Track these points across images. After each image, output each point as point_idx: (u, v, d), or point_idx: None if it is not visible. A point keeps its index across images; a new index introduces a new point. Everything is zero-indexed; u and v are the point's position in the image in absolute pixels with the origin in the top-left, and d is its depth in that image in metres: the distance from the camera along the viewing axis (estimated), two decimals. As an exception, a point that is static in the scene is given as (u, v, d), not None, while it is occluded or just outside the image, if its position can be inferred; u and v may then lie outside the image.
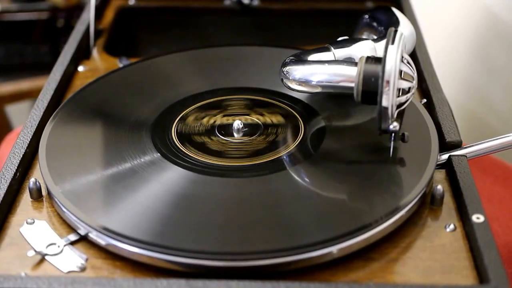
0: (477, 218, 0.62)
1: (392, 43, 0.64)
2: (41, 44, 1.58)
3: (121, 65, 0.90)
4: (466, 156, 0.70)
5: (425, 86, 0.83)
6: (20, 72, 1.57)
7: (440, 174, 0.70)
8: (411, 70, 0.66)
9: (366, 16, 0.85)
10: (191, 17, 1.09)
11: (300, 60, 0.73)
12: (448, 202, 0.67)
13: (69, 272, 0.59)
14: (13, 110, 1.48)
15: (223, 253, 0.58)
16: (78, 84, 0.87)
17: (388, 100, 0.63)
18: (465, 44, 1.36)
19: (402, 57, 0.65)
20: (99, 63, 0.92)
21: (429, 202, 0.66)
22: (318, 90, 0.71)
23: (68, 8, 1.55)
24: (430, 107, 0.79)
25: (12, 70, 1.59)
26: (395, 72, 0.63)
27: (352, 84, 0.68)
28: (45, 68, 0.86)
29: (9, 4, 1.57)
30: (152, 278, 0.57)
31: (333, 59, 0.73)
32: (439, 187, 0.65)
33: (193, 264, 0.58)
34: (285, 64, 0.73)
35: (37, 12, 1.56)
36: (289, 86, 0.73)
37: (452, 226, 0.64)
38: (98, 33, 0.99)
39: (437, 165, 0.70)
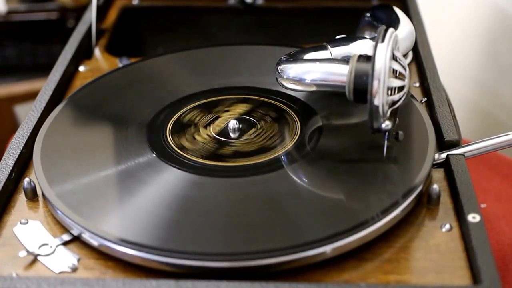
0: (473, 217, 0.61)
1: (382, 41, 0.63)
2: (52, 44, 1.59)
3: (121, 65, 0.90)
4: (464, 155, 0.69)
5: (426, 85, 0.82)
6: (32, 72, 1.58)
7: (439, 173, 0.69)
8: (403, 69, 0.66)
9: (367, 15, 0.84)
10: (195, 17, 1.09)
11: (295, 58, 0.72)
12: (446, 201, 0.66)
13: (60, 272, 0.59)
14: (23, 110, 1.48)
15: (214, 254, 0.58)
16: (78, 84, 0.87)
17: (379, 98, 0.63)
18: (475, 41, 1.35)
19: (394, 55, 0.64)
20: (100, 63, 0.92)
21: (426, 202, 0.66)
22: (313, 88, 0.71)
23: (77, 8, 1.55)
24: (430, 106, 0.78)
25: (24, 70, 1.59)
26: (384, 70, 0.62)
27: (344, 83, 0.68)
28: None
29: (18, 4, 1.57)
30: (142, 279, 0.57)
31: (330, 57, 0.73)
32: (435, 186, 0.65)
33: (183, 265, 0.58)
34: (279, 63, 0.73)
35: (46, 12, 1.56)
36: (283, 85, 0.73)
37: (448, 226, 0.63)
38: (100, 33, 0.99)
39: (436, 164, 0.70)
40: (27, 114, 0.76)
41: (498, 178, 0.99)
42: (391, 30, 0.65)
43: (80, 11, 1.55)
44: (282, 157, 0.69)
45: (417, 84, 0.85)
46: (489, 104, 1.35)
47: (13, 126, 1.49)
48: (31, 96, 1.51)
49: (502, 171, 1.00)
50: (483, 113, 1.38)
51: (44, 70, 1.57)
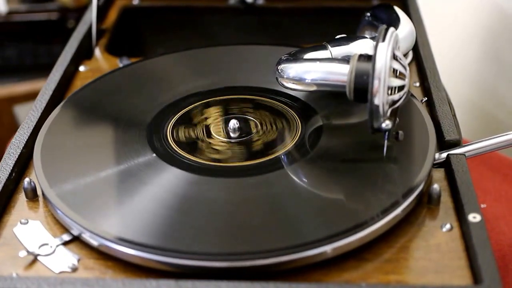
0: (474, 217, 0.61)
1: (383, 40, 0.63)
2: (52, 44, 1.59)
3: (121, 65, 0.90)
4: (464, 154, 0.69)
5: (427, 84, 0.82)
6: (32, 72, 1.58)
7: (440, 173, 0.69)
8: (403, 68, 0.66)
9: (368, 14, 0.84)
10: (195, 17, 1.09)
11: (295, 58, 0.72)
12: (446, 201, 0.66)
13: (60, 272, 0.59)
14: (23, 111, 1.48)
15: (215, 254, 0.58)
16: (78, 84, 0.87)
17: (379, 98, 0.63)
18: (474, 40, 1.35)
19: (395, 54, 0.64)
20: (101, 63, 0.92)
21: (426, 202, 0.66)
22: (313, 88, 0.71)
23: (78, 8, 1.55)
24: (430, 105, 0.78)
25: (25, 71, 1.59)
26: (385, 69, 0.62)
27: (345, 82, 0.68)
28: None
29: (18, 5, 1.57)
30: (142, 279, 0.57)
31: (330, 57, 0.73)
32: (436, 186, 0.65)
33: (183, 265, 0.58)
34: (279, 62, 0.73)
35: (46, 12, 1.56)
36: (283, 84, 0.73)
37: (448, 226, 0.63)
38: (101, 33, 0.99)
39: (437, 164, 0.70)
40: (27, 114, 0.76)
41: (498, 178, 0.99)
42: (391, 29, 0.65)
43: (80, 11, 1.55)
44: (283, 157, 0.69)
45: (417, 84, 0.85)
46: (488, 104, 1.35)
47: (13, 126, 1.49)
48: (31, 96, 1.51)
49: (502, 171, 1.00)
50: (482, 112, 1.37)
51: (44, 70, 1.57)
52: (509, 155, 1.03)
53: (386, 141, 0.68)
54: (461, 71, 1.39)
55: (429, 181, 0.67)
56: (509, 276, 0.81)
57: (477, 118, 1.39)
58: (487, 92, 1.35)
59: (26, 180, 0.67)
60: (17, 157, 0.69)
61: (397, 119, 0.68)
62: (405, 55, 0.83)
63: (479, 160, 1.00)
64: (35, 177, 0.68)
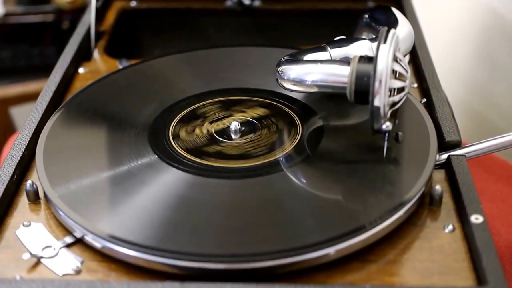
0: (476, 218, 0.61)
1: (384, 42, 0.63)
2: (47, 46, 1.59)
3: (121, 67, 0.90)
4: (465, 156, 0.69)
5: (425, 86, 0.82)
6: (27, 74, 1.58)
7: (440, 174, 0.70)
8: (404, 70, 0.66)
9: (366, 16, 0.84)
10: (193, 18, 1.09)
11: (295, 59, 0.72)
12: (448, 202, 0.66)
13: (64, 275, 0.59)
14: (18, 112, 1.48)
15: (218, 256, 0.58)
16: (78, 86, 0.87)
17: (380, 99, 0.63)
18: (467, 41, 1.36)
19: (395, 56, 0.65)
20: (100, 64, 0.92)
21: (428, 203, 0.66)
22: (314, 90, 0.71)
23: (73, 10, 1.55)
24: (430, 106, 0.79)
25: (19, 72, 1.59)
26: (386, 71, 0.63)
27: (345, 84, 0.68)
28: (51, 70, 0.86)
29: (14, 7, 1.57)
30: (147, 281, 0.57)
31: (329, 58, 0.73)
32: (438, 187, 0.65)
33: (187, 267, 0.58)
34: (280, 64, 0.73)
35: (42, 14, 1.56)
36: (283, 86, 0.73)
37: (451, 227, 0.63)
38: (99, 35, 0.99)
39: (437, 165, 0.70)
40: (28, 116, 0.76)
41: (493, 179, 0.99)
42: (393, 31, 0.65)
43: (75, 13, 1.55)
44: (285, 158, 0.69)
45: (415, 85, 0.85)
46: (480, 105, 1.35)
47: (9, 128, 1.48)
48: (25, 98, 1.51)
49: (497, 172, 1.00)
50: (473, 113, 1.38)
51: (37, 72, 1.58)
52: (503, 156, 1.03)
53: (386, 143, 0.68)
54: (454, 72, 1.40)
55: (430, 182, 0.67)
56: (506, 277, 0.81)
57: (469, 119, 1.39)
58: (479, 93, 1.35)
59: (28, 182, 0.67)
60: (19, 159, 0.69)
61: (396, 120, 0.68)
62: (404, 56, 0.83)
63: (473, 161, 0.99)
64: (37, 179, 0.68)
